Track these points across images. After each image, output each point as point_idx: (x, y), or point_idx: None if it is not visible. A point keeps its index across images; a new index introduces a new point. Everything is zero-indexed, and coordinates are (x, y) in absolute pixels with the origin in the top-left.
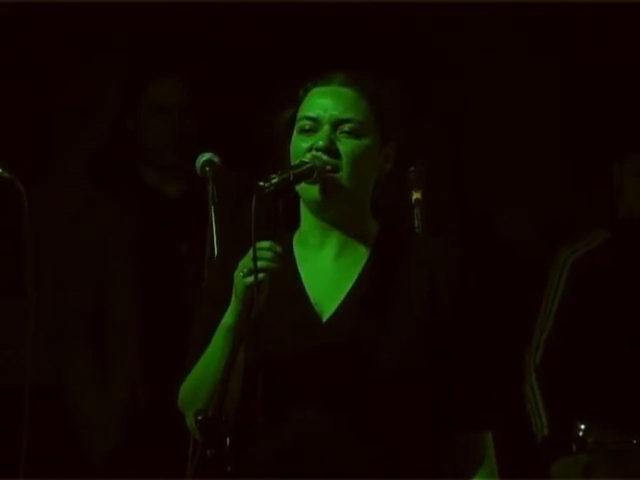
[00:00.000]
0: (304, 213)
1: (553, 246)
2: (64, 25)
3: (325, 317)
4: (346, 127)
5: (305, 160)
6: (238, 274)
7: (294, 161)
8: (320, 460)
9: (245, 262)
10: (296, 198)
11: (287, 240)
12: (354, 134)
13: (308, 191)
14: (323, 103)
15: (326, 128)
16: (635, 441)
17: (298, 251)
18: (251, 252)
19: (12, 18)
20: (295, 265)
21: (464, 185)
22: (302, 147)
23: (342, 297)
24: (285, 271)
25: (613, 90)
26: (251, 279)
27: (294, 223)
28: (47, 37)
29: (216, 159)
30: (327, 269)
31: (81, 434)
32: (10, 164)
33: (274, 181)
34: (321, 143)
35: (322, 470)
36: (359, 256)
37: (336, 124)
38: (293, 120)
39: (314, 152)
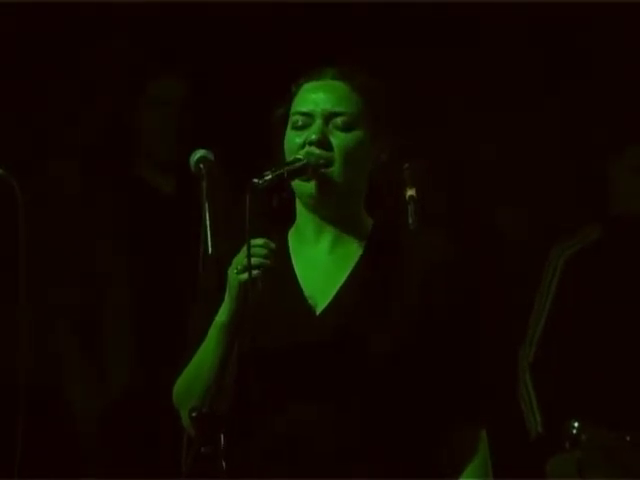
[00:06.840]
0: (299, 209)
1: (548, 243)
2: (65, 20)
3: (319, 311)
4: (338, 120)
5: (299, 157)
6: (232, 271)
7: (288, 157)
8: (317, 453)
9: (239, 259)
10: (292, 194)
11: (282, 235)
12: (346, 127)
13: (303, 188)
14: (315, 98)
15: (319, 122)
16: (628, 438)
17: (293, 246)
18: (245, 249)
19: (12, 17)
20: (289, 260)
21: (462, 183)
22: (296, 142)
23: (335, 291)
24: (279, 266)
25: (608, 88)
26: (245, 276)
27: (290, 218)
28: (47, 32)
29: (210, 156)
30: (321, 263)
31: (80, 432)
32: (5, 160)
33: (268, 178)
34: (314, 137)
35: (319, 463)
36: (353, 250)
37: (329, 117)
38: (286, 116)
39: (307, 148)
